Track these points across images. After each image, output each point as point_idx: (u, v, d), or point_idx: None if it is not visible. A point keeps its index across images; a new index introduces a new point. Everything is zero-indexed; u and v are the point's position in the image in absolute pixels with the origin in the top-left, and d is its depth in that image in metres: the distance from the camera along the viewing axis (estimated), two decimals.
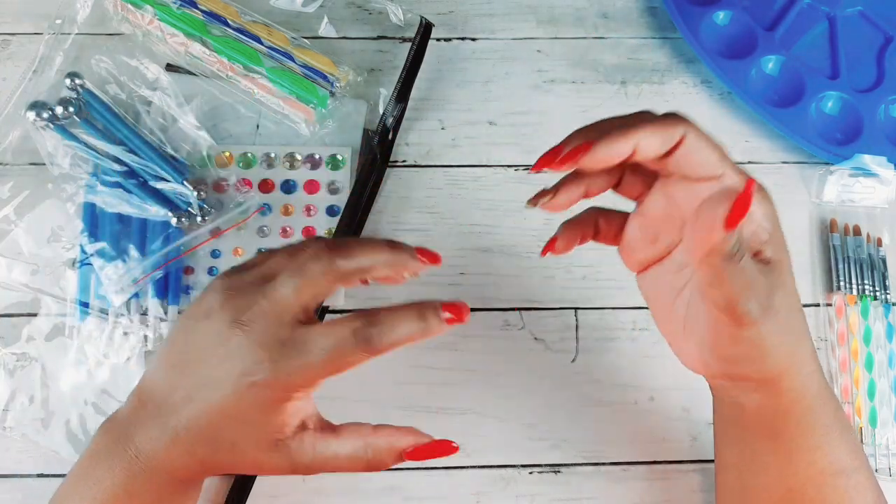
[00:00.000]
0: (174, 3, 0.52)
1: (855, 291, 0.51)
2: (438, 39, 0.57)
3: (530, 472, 0.47)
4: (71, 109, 0.50)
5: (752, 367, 0.34)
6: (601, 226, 0.38)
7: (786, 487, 0.36)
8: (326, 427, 0.36)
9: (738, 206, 0.29)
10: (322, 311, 0.49)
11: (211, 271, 0.50)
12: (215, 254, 0.50)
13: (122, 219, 0.49)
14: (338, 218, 0.51)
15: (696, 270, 0.33)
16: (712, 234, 0.29)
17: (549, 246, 0.38)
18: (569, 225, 0.38)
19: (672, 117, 0.32)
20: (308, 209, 0.51)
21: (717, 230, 0.29)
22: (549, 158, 0.33)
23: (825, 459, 0.35)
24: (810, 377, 0.35)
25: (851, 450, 0.36)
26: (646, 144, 0.31)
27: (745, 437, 0.37)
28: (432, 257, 0.35)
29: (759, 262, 0.33)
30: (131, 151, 0.50)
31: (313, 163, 0.52)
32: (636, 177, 0.36)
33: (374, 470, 0.35)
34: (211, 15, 0.52)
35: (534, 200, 0.36)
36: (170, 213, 0.49)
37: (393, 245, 0.35)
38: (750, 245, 0.33)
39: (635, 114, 0.33)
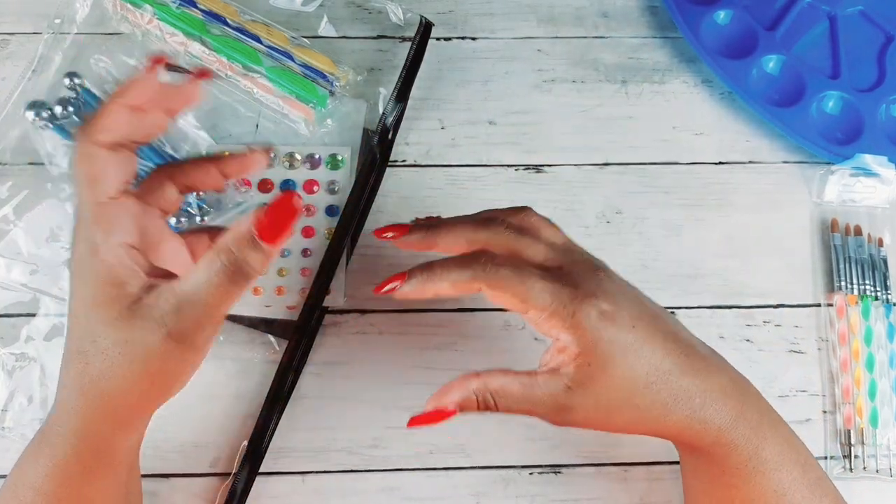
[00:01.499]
0: (173, 2, 0.52)
1: (856, 292, 0.51)
2: (438, 39, 0.57)
3: (530, 473, 0.47)
4: (70, 109, 0.50)
5: (599, 428, 0.37)
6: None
7: None
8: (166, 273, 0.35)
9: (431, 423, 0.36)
10: (322, 311, 0.49)
11: None
12: None
13: None
14: (337, 218, 0.51)
15: None
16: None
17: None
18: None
19: (472, 270, 0.35)
20: (307, 209, 0.51)
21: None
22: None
23: (742, 496, 0.36)
24: (710, 433, 0.36)
25: (779, 489, 0.36)
26: (445, 294, 0.36)
27: (684, 468, 0.42)
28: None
29: (550, 376, 0.36)
30: None
31: (313, 162, 0.52)
32: None
33: (243, 274, 0.33)
34: (210, 14, 0.52)
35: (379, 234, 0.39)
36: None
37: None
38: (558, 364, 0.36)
39: (445, 262, 0.36)
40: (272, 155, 0.40)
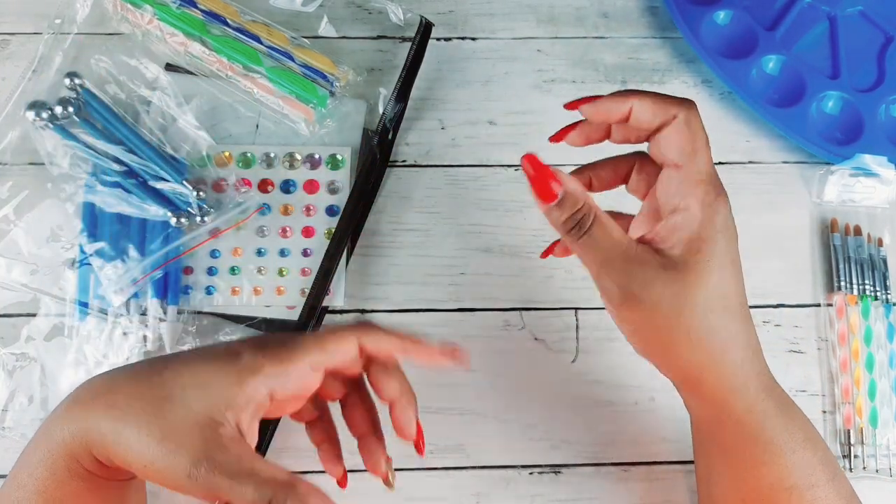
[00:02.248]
0: (174, 2, 0.52)
1: (856, 292, 0.51)
2: (438, 39, 0.57)
3: (530, 473, 0.47)
4: (70, 109, 0.50)
5: (668, 371, 0.36)
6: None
7: (740, 499, 0.37)
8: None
9: (532, 182, 0.35)
10: (322, 311, 0.49)
11: (210, 271, 0.50)
12: (214, 254, 0.50)
13: (121, 219, 0.49)
14: (337, 218, 0.51)
15: None
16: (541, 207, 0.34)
17: (550, 249, 0.40)
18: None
19: (679, 101, 0.35)
20: (307, 209, 0.51)
21: (540, 204, 0.34)
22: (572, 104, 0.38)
23: (772, 475, 0.36)
24: (744, 389, 0.35)
25: (808, 465, 0.36)
26: (639, 110, 0.35)
27: (704, 449, 0.39)
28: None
29: (652, 252, 0.34)
30: (131, 151, 0.50)
31: (313, 162, 0.52)
32: (641, 176, 0.39)
33: None
34: (210, 14, 0.52)
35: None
36: (169, 213, 0.49)
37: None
38: (662, 236, 0.34)
39: (656, 93, 0.36)
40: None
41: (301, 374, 0.34)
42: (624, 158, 0.39)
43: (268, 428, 0.46)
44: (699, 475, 0.41)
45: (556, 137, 0.39)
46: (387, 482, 0.38)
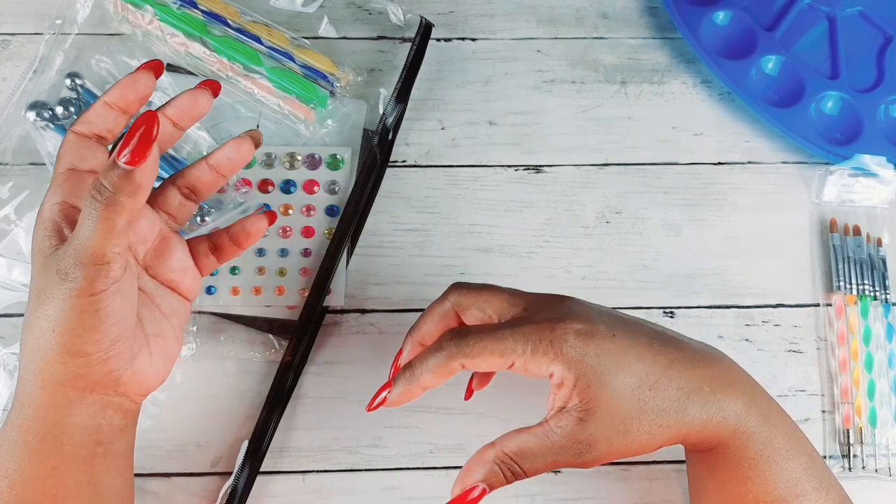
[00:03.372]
0: (174, 3, 0.52)
1: (855, 291, 0.51)
2: (438, 39, 0.57)
3: None
4: (71, 109, 0.50)
5: (626, 454, 0.36)
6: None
7: None
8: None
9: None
10: (322, 311, 0.49)
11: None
12: None
13: None
14: (337, 218, 0.51)
15: None
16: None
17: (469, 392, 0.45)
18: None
19: (446, 351, 0.35)
20: (307, 209, 0.51)
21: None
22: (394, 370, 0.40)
23: (757, 490, 0.36)
24: (721, 421, 0.35)
25: (791, 478, 0.36)
26: (433, 384, 0.36)
27: (693, 467, 0.40)
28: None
29: (561, 415, 0.35)
30: None
31: (313, 163, 0.52)
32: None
33: (117, 205, 0.32)
34: (211, 15, 0.52)
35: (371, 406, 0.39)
36: None
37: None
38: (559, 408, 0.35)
39: (420, 357, 0.36)
40: (258, 140, 0.41)
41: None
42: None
43: (269, 428, 0.46)
44: (690, 488, 0.42)
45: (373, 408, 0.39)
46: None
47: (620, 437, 0.34)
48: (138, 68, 0.37)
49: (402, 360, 0.40)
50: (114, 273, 0.33)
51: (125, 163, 0.31)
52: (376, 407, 0.37)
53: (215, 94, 0.39)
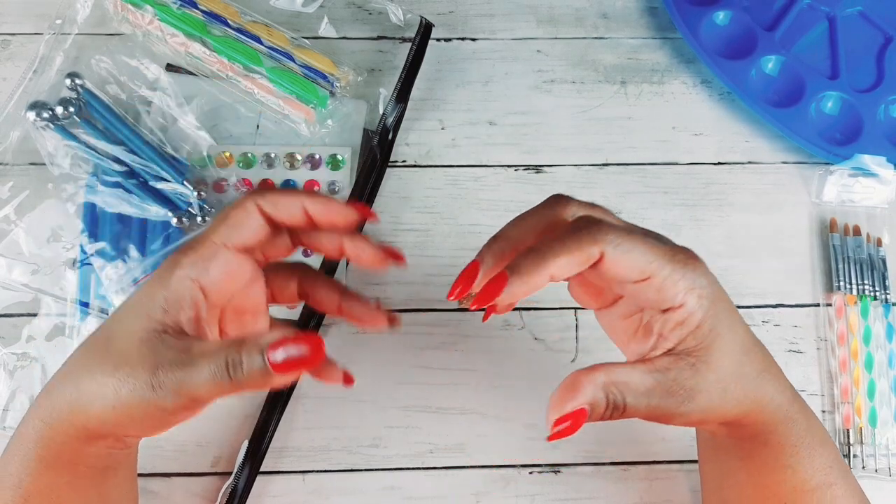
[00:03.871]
0: (174, 3, 0.52)
1: (855, 291, 0.51)
2: (438, 39, 0.57)
3: (530, 472, 0.47)
4: (71, 109, 0.50)
5: (710, 417, 0.34)
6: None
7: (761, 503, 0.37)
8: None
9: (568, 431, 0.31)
10: (319, 318, 0.49)
11: None
12: None
13: (122, 219, 0.49)
14: None
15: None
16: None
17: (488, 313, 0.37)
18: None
19: (587, 233, 0.31)
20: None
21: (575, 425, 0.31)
22: (464, 284, 0.33)
23: (796, 478, 0.35)
24: (776, 407, 0.35)
25: (825, 465, 0.36)
26: (561, 272, 0.31)
27: (720, 456, 0.38)
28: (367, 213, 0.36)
29: (669, 360, 0.32)
30: (131, 151, 0.50)
31: (313, 163, 0.52)
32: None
33: (236, 383, 0.30)
34: (211, 15, 0.52)
35: (457, 297, 0.34)
36: (170, 213, 0.49)
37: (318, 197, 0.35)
38: (665, 343, 0.33)
39: (559, 240, 0.31)
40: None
41: (217, 254, 0.33)
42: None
43: (269, 428, 0.46)
44: (708, 482, 0.40)
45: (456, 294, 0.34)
46: (393, 323, 0.37)
47: (719, 396, 0.32)
48: (353, 208, 0.35)
49: (484, 271, 0.34)
50: (197, 414, 0.32)
51: (270, 363, 0.29)
52: (487, 300, 0.31)
53: (364, 219, 0.36)
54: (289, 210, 0.34)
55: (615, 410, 0.31)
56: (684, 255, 0.32)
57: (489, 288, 0.31)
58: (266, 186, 0.35)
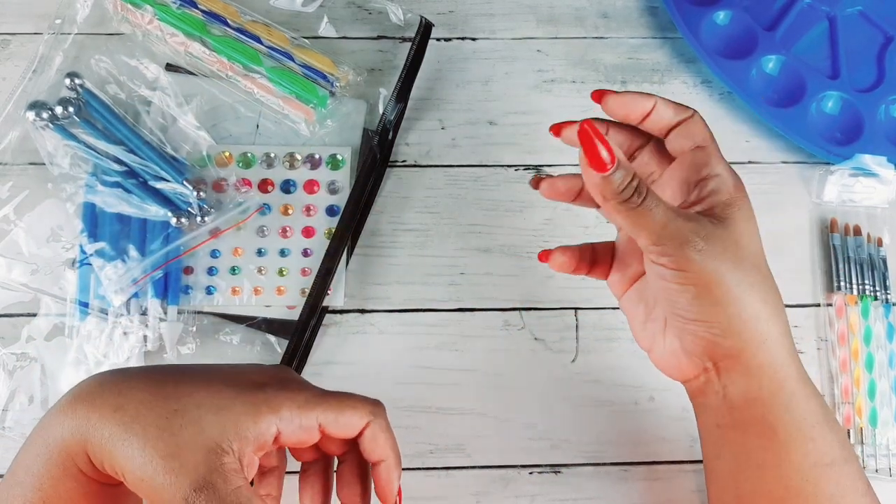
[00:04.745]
0: (174, 2, 0.52)
1: (855, 291, 0.51)
2: (438, 39, 0.57)
3: (530, 473, 0.47)
4: (71, 109, 0.50)
5: (721, 335, 0.35)
6: (596, 255, 0.42)
7: (783, 487, 0.36)
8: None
9: (587, 150, 0.34)
10: (322, 311, 0.49)
11: (211, 271, 0.50)
12: (215, 254, 0.50)
13: (121, 219, 0.49)
14: (337, 218, 0.51)
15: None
16: (589, 179, 0.34)
17: (547, 256, 0.41)
18: (566, 249, 0.41)
19: (687, 106, 0.38)
20: (308, 209, 0.51)
21: (590, 175, 0.34)
22: (598, 94, 0.39)
23: (818, 451, 0.35)
24: (788, 355, 0.35)
25: (840, 440, 0.36)
26: (662, 109, 0.38)
27: (737, 438, 0.37)
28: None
29: (697, 213, 0.36)
30: (131, 151, 0.50)
31: (313, 162, 0.52)
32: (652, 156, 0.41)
33: None
34: (211, 15, 0.52)
35: (535, 182, 0.42)
36: (169, 213, 0.49)
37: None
38: (701, 198, 0.36)
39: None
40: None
41: (310, 425, 0.34)
42: (638, 133, 0.40)
43: None
44: (720, 477, 0.38)
45: (557, 129, 0.41)
46: None
47: (731, 263, 0.34)
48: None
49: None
50: None
51: None
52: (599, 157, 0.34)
53: None
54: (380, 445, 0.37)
55: (635, 196, 0.33)
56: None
57: (604, 92, 0.39)
58: (382, 410, 0.37)
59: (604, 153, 0.33)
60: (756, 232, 0.36)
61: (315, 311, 0.48)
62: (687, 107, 0.38)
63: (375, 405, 0.36)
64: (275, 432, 0.33)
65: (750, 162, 0.55)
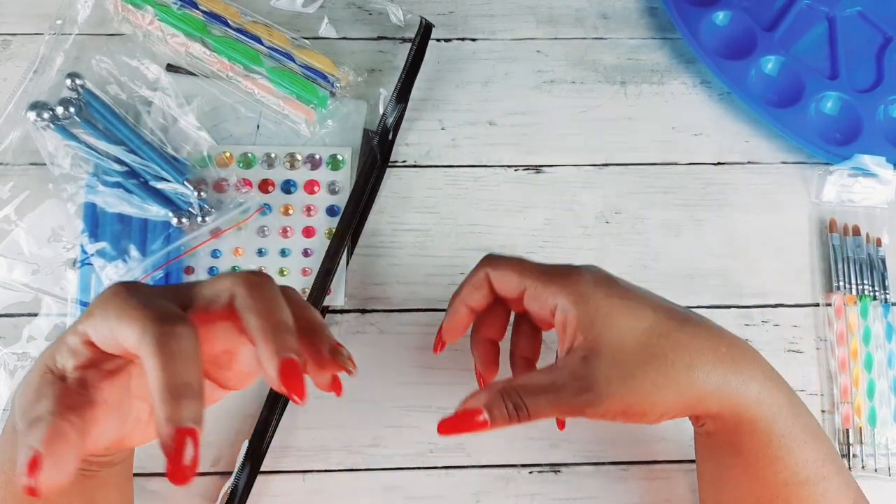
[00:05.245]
0: (174, 3, 0.52)
1: (854, 291, 0.51)
2: (438, 40, 0.57)
3: (530, 472, 0.47)
4: (71, 110, 0.50)
5: (635, 408, 0.34)
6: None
7: (754, 498, 0.37)
8: None
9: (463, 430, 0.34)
10: (322, 311, 0.49)
11: (211, 271, 0.50)
12: (215, 254, 0.50)
13: (122, 219, 0.49)
14: (338, 218, 0.51)
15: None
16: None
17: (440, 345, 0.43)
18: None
19: (478, 265, 0.40)
20: (308, 209, 0.51)
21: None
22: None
23: (788, 471, 0.36)
24: (758, 399, 0.35)
25: (818, 458, 0.36)
26: (471, 299, 0.40)
27: (714, 453, 0.39)
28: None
29: (567, 356, 0.35)
30: (132, 151, 0.50)
31: (313, 163, 0.52)
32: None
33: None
34: (211, 15, 0.52)
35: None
36: (170, 213, 0.49)
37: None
38: (569, 336, 0.36)
39: (462, 288, 0.41)
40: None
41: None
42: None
43: (269, 427, 0.46)
44: (704, 481, 0.40)
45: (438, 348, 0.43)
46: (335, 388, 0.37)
47: (624, 382, 0.33)
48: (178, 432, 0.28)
49: (446, 320, 0.42)
50: None
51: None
52: (439, 346, 0.42)
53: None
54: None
55: (518, 412, 0.33)
56: (563, 271, 0.37)
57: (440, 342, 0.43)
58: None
59: (477, 419, 0.34)
60: (638, 322, 0.35)
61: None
62: (478, 265, 0.40)
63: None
64: (77, 339, 0.30)
65: (749, 162, 0.55)
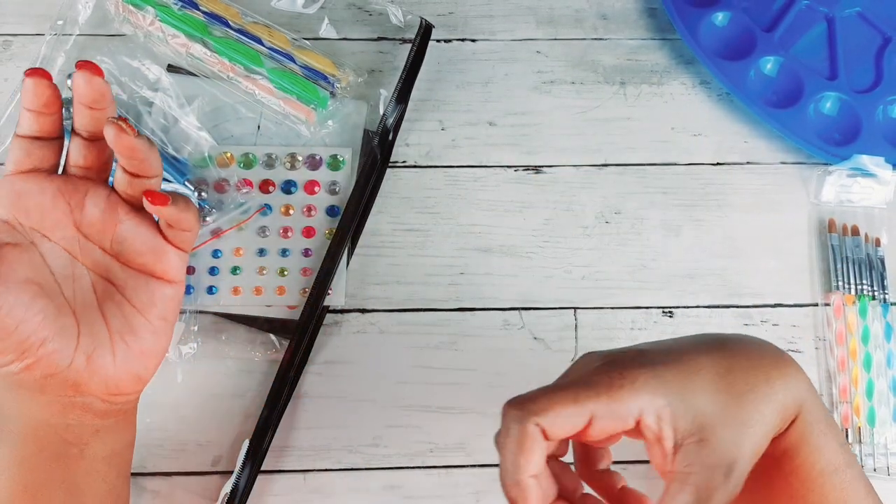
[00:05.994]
0: (175, 4, 0.52)
1: (853, 291, 0.51)
2: (438, 41, 0.57)
3: None
4: (72, 110, 0.50)
5: (757, 450, 0.33)
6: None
7: (787, 496, 0.36)
8: None
9: None
10: (322, 311, 0.49)
11: (212, 271, 0.50)
12: (216, 254, 0.50)
13: None
14: (338, 218, 0.51)
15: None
16: None
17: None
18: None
19: (510, 415, 0.33)
20: (308, 209, 0.52)
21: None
22: None
23: (822, 460, 0.35)
24: (801, 390, 0.34)
25: (842, 445, 0.36)
26: (528, 463, 0.33)
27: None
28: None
29: (688, 452, 0.33)
30: None
31: (314, 163, 0.52)
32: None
33: None
34: (212, 16, 0.52)
35: None
36: None
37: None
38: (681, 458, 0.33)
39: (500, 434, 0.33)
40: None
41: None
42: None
43: (270, 427, 0.46)
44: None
45: None
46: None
47: (743, 433, 0.31)
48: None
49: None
50: None
51: None
52: None
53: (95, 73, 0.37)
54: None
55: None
56: (606, 375, 0.31)
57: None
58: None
59: None
60: (695, 378, 0.32)
61: (316, 310, 0.49)
62: (508, 412, 0.33)
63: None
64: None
65: (748, 162, 0.55)
